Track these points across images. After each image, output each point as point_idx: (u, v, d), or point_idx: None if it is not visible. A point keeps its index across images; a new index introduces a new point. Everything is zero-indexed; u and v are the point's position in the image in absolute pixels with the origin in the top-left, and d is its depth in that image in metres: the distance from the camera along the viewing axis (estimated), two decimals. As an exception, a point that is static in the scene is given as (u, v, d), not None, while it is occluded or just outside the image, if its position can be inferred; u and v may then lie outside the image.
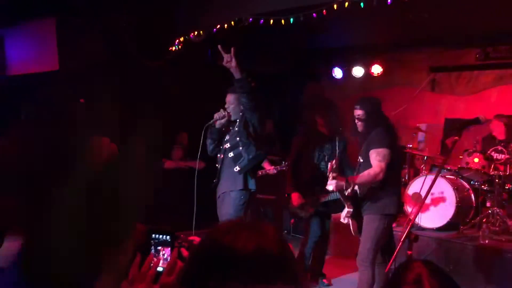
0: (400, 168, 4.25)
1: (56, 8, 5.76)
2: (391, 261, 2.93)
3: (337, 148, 4.98)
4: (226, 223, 1.20)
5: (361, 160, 4.11)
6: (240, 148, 4.39)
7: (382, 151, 3.91)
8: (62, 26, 5.75)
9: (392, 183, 4.02)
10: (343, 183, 3.95)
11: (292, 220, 6.02)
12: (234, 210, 4.44)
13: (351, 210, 4.08)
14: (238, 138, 4.40)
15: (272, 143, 6.42)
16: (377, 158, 3.90)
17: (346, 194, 4.03)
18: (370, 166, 3.96)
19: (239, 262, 1.06)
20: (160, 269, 1.63)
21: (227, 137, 4.55)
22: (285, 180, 5.28)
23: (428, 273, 1.39)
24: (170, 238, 1.69)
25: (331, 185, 4.04)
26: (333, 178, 4.00)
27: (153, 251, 1.68)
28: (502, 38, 6.69)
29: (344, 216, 4.15)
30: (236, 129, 4.43)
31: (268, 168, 5.46)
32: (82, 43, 5.94)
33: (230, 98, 4.47)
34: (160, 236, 1.71)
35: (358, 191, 4.07)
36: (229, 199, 4.50)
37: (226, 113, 4.44)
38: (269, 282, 1.09)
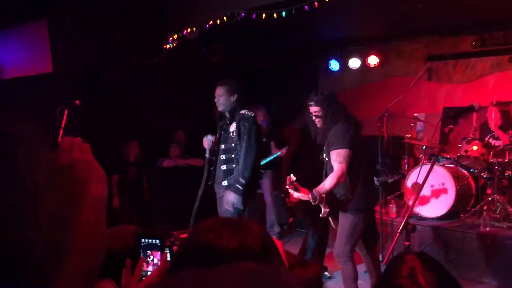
0: (367, 160, 4.10)
1: (48, 10, 5.74)
2: (388, 252, 2.92)
3: None
4: (209, 221, 1.19)
5: (326, 159, 4.03)
6: (233, 165, 4.43)
7: (342, 152, 3.82)
8: (54, 27, 5.73)
9: (361, 177, 3.95)
10: (308, 197, 3.90)
11: (291, 219, 6.03)
12: (233, 206, 4.46)
13: (327, 210, 4.01)
14: (233, 155, 4.44)
15: (269, 140, 6.42)
16: (337, 160, 3.83)
17: (316, 202, 3.95)
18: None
19: (222, 259, 1.04)
20: (149, 273, 1.63)
21: (219, 133, 4.59)
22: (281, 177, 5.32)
23: (421, 266, 1.37)
24: (160, 242, 1.67)
25: (295, 196, 4.01)
26: (295, 191, 3.95)
27: (142, 255, 1.67)
28: (498, 24, 6.65)
29: (322, 215, 4.07)
30: (233, 145, 4.44)
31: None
32: (76, 44, 5.93)
33: (219, 91, 4.50)
34: (150, 240, 1.68)
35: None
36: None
37: (213, 138, 4.56)
38: None
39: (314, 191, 3.89)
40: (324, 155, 4.05)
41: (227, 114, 4.55)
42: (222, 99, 4.50)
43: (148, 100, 6.77)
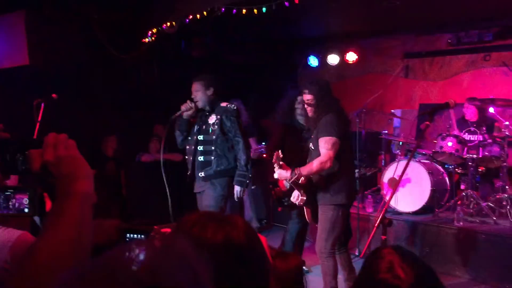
0: (351, 156, 4.11)
1: (26, 1, 5.63)
2: (365, 246, 2.97)
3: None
4: (194, 215, 1.21)
5: (312, 148, 4.02)
6: (212, 157, 4.45)
7: (331, 139, 3.82)
8: (32, 19, 5.63)
9: (343, 172, 3.94)
10: (288, 173, 3.89)
11: (280, 208, 6.09)
12: (215, 201, 4.45)
13: (305, 198, 4.01)
14: (213, 147, 4.45)
15: (249, 135, 6.42)
16: (325, 146, 3.82)
17: (299, 182, 3.95)
18: (319, 154, 3.89)
19: (208, 253, 1.06)
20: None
21: (196, 128, 4.55)
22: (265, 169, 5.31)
23: (399, 259, 1.40)
24: (145, 237, 1.66)
25: (276, 174, 4.00)
26: (279, 167, 3.94)
27: None
28: (472, 23, 6.79)
29: (297, 202, 4.08)
30: (214, 137, 4.44)
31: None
32: (53, 37, 5.84)
33: (195, 86, 4.48)
34: (135, 235, 1.67)
35: (312, 179, 4.03)
36: (208, 191, 4.51)
37: (193, 104, 4.44)
38: (238, 272, 1.10)
39: (296, 169, 3.89)
40: (311, 144, 4.04)
41: (207, 108, 4.52)
42: (199, 94, 4.46)
43: (127, 95, 6.72)
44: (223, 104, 4.46)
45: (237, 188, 4.48)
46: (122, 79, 6.74)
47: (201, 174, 4.49)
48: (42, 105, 4.83)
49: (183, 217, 1.20)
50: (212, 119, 4.47)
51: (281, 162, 3.96)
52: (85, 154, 1.16)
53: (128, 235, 1.66)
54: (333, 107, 3.97)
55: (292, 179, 3.91)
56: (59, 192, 1.04)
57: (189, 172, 4.59)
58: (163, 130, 7.30)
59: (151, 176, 6.75)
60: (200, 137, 4.51)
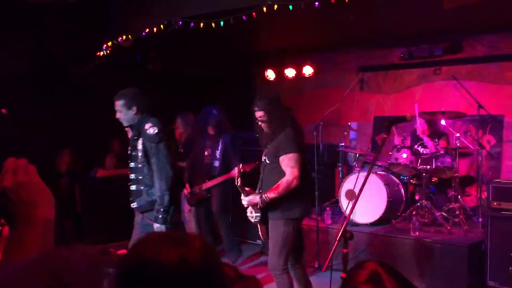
0: (306, 169, 4.05)
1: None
2: (328, 259, 2.98)
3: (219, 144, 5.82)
4: (149, 236, 1.19)
5: (267, 162, 3.96)
6: (142, 187, 4.08)
7: (294, 156, 3.79)
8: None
9: (298, 186, 3.85)
10: (257, 200, 3.83)
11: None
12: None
13: (259, 214, 3.92)
14: (141, 177, 4.06)
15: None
16: (289, 165, 3.79)
17: (259, 207, 3.89)
18: (276, 168, 3.86)
19: (163, 275, 1.05)
20: None
21: (129, 149, 4.20)
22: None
23: (385, 272, 1.40)
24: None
25: (244, 201, 3.92)
26: (246, 195, 3.88)
27: None
28: (424, 38, 7.03)
29: (252, 219, 4.00)
30: (139, 166, 4.06)
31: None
32: (3, 48, 5.63)
33: (116, 105, 4.08)
34: None
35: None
36: (144, 222, 4.19)
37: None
38: None
39: (263, 196, 3.82)
40: (266, 158, 3.99)
41: (134, 130, 4.13)
42: (121, 114, 4.06)
43: (82, 108, 6.53)
44: (146, 127, 3.98)
45: (154, 225, 3.97)
46: (76, 92, 6.56)
47: (133, 205, 4.14)
48: (-9, 120, 4.64)
49: (139, 239, 1.18)
50: (140, 144, 4.05)
51: (246, 188, 3.91)
52: (37, 170, 1.12)
53: None
54: (287, 120, 3.95)
55: (262, 205, 3.84)
56: (19, 219, 0.99)
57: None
58: (119, 146, 7.16)
59: (105, 193, 6.58)
60: (131, 164, 4.14)
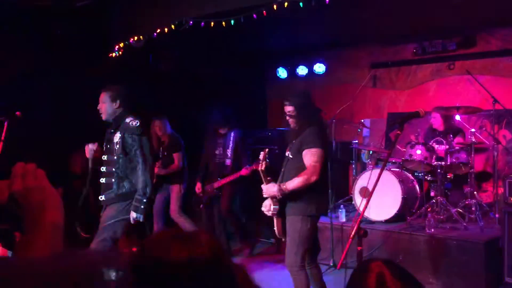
0: (327, 167, 4.04)
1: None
2: (342, 257, 2.96)
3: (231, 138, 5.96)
4: (157, 235, 1.19)
5: (290, 156, 3.98)
6: (113, 180, 4.13)
7: (318, 151, 3.80)
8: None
9: (317, 183, 3.85)
10: (275, 189, 3.83)
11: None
12: (109, 225, 4.13)
13: (277, 207, 3.92)
14: (113, 169, 4.12)
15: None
16: (312, 159, 3.80)
17: (277, 198, 3.89)
18: (299, 163, 3.86)
19: (173, 274, 1.06)
20: None
21: (104, 143, 4.28)
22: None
23: (390, 274, 1.38)
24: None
25: (263, 189, 3.92)
26: (267, 182, 3.89)
27: None
28: (436, 33, 6.95)
29: (269, 211, 3.97)
30: (115, 158, 4.12)
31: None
32: (14, 51, 5.69)
33: (102, 97, 4.24)
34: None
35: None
36: (105, 213, 4.23)
37: (94, 147, 4.23)
38: None
39: (282, 186, 3.83)
40: (289, 153, 4.02)
41: (112, 123, 4.25)
42: (104, 106, 4.21)
43: (94, 110, 6.57)
44: (127, 120, 4.13)
45: (132, 214, 4.07)
46: (89, 94, 6.59)
47: (102, 198, 4.17)
48: (6, 123, 4.69)
49: (147, 238, 1.19)
50: (117, 137, 4.15)
51: (268, 178, 3.93)
52: (50, 172, 1.12)
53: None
54: (314, 118, 4.00)
55: (279, 196, 3.85)
56: (28, 223, 0.99)
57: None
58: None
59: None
60: (104, 157, 4.20)
